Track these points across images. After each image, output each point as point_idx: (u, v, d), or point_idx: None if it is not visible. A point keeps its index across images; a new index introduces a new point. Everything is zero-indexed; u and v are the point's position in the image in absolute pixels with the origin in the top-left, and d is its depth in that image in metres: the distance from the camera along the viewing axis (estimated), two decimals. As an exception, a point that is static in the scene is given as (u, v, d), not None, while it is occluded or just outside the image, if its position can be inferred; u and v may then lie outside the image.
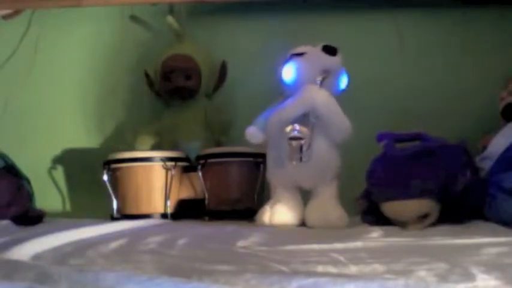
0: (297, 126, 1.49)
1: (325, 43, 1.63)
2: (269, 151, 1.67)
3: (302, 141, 1.49)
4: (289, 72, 1.65)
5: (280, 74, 1.66)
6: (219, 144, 2.11)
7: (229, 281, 0.76)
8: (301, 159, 1.50)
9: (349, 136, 1.59)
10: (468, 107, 2.14)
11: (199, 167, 1.86)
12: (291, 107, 1.56)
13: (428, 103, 2.14)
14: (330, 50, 1.62)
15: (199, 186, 1.89)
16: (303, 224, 1.62)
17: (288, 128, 1.50)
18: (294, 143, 1.49)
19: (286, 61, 1.67)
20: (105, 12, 2.31)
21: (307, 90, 1.57)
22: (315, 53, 1.64)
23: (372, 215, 1.56)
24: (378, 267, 0.87)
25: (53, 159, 2.33)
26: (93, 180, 1.97)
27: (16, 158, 1.97)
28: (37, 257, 1.03)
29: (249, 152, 1.85)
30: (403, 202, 1.48)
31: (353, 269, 0.87)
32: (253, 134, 1.67)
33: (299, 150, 1.49)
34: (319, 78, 1.59)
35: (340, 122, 1.58)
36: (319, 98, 1.56)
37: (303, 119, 1.52)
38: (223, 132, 2.15)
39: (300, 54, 1.65)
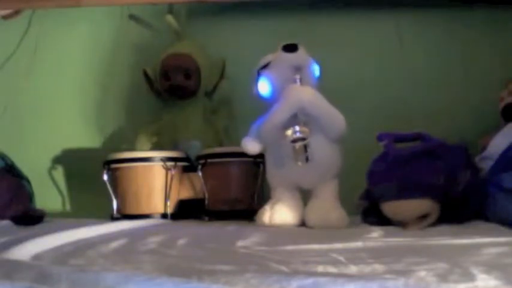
0: (297, 128, 1.47)
1: (283, 43, 1.62)
2: (267, 155, 1.67)
3: (305, 142, 1.48)
4: (264, 87, 1.63)
5: (257, 92, 1.65)
6: (220, 143, 2.10)
7: (229, 281, 0.76)
8: (307, 159, 1.49)
9: (344, 129, 1.57)
10: (468, 107, 2.14)
11: (199, 167, 1.86)
12: (280, 110, 1.55)
13: (428, 103, 2.14)
14: (290, 48, 1.61)
15: (199, 186, 1.89)
16: (303, 224, 1.61)
17: (289, 132, 1.48)
18: (298, 145, 1.48)
19: (256, 79, 1.65)
20: (105, 12, 2.32)
21: (292, 91, 1.55)
22: (278, 57, 1.62)
23: (372, 215, 1.56)
24: (378, 267, 0.87)
25: (53, 159, 2.33)
26: (93, 180, 1.97)
27: (16, 158, 1.97)
28: (37, 257, 1.03)
29: (249, 152, 1.85)
30: (403, 202, 1.47)
31: (353, 269, 0.87)
32: (250, 144, 1.66)
33: (304, 150, 1.49)
34: (297, 77, 1.58)
35: (331, 115, 1.56)
36: (305, 96, 1.54)
37: (294, 120, 1.50)
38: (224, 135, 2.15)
39: (266, 66, 1.64)
